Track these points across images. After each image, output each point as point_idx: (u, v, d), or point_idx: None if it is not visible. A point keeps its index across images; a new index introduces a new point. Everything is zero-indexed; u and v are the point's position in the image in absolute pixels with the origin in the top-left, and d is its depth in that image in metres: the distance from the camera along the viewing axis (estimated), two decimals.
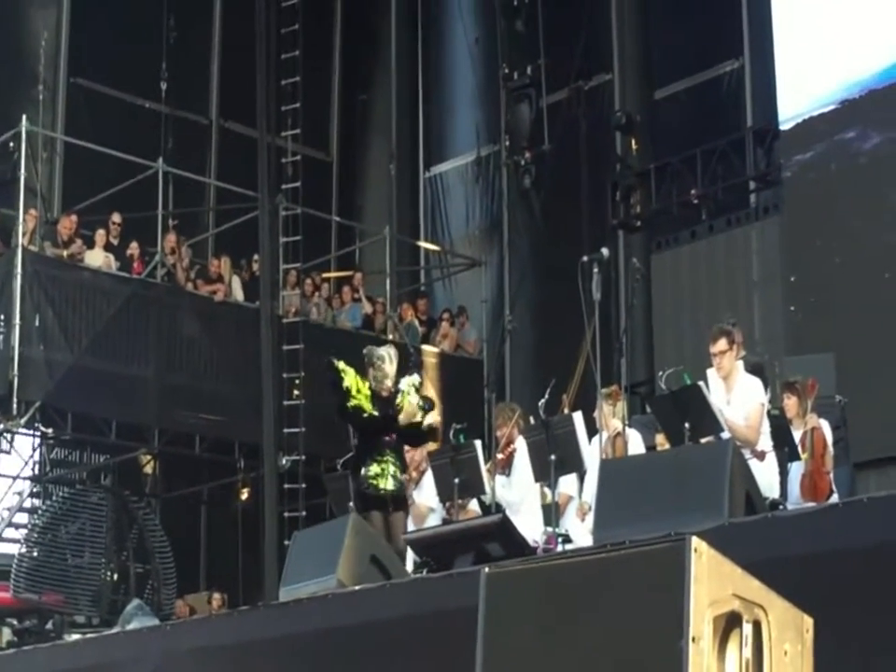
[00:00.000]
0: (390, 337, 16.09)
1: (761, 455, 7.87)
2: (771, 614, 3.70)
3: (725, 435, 7.76)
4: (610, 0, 16.91)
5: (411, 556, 8.75)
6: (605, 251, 8.51)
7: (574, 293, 8.50)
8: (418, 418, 8.93)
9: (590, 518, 8.02)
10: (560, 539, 8.48)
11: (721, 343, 8.20)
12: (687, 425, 8.00)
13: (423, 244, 18.91)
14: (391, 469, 8.79)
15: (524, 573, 3.98)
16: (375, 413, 8.77)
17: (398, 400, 8.88)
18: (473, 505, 9.70)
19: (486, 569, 3.94)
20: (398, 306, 16.93)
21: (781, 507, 7.66)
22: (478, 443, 9.25)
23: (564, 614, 3.76)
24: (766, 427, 8.14)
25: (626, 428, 8.70)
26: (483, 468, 9.07)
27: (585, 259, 8.49)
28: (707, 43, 16.25)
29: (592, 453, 8.59)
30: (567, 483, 9.14)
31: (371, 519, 8.63)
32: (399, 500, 8.87)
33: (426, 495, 9.78)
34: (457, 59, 19.31)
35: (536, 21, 17.31)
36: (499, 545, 7.65)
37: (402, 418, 8.82)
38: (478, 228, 18.58)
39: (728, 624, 3.61)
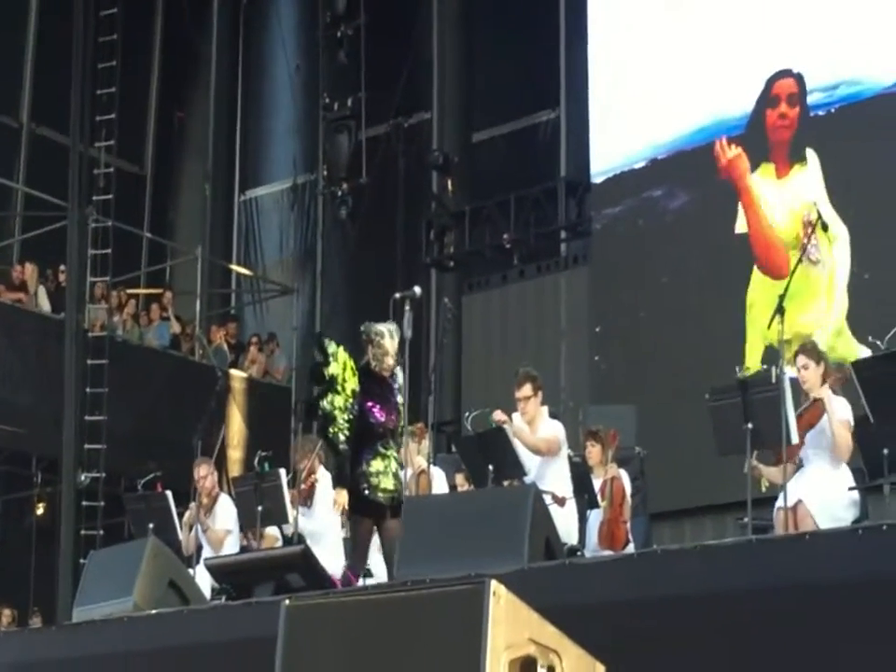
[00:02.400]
0: (196, 359, 16.00)
1: (561, 501, 8.10)
2: (565, 660, 3.83)
3: (528, 479, 7.99)
4: (432, 40, 17.12)
5: (209, 582, 8.74)
6: (417, 289, 8.51)
7: None
8: None
9: None
10: (361, 574, 8.57)
11: (527, 389, 8.43)
12: (491, 467, 8.24)
13: (235, 267, 18.82)
14: (394, 465, 8.00)
15: (324, 607, 4.07)
16: (342, 437, 7.88)
17: (398, 399, 8.06)
18: (272, 530, 9.72)
19: (287, 601, 4.01)
20: (207, 328, 16.81)
21: (579, 553, 7.89)
22: (282, 472, 9.29)
23: (363, 649, 3.85)
24: (567, 473, 8.39)
25: (431, 467, 8.85)
26: (287, 497, 9.12)
27: (398, 295, 8.51)
28: (526, 91, 16.57)
29: None
30: None
31: (360, 525, 7.98)
32: (397, 507, 7.84)
33: (220, 519, 9.77)
34: (278, 84, 19.30)
35: (358, 54, 17.42)
36: (300, 576, 7.71)
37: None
38: (291, 255, 18.57)
39: (523, 668, 3.74)
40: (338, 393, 7.89)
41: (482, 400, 10.23)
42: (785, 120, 13.05)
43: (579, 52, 15.13)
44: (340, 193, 17.37)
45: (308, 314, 17.94)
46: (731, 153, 13.32)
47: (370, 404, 7.96)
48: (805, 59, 12.96)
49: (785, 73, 13.08)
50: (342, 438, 7.88)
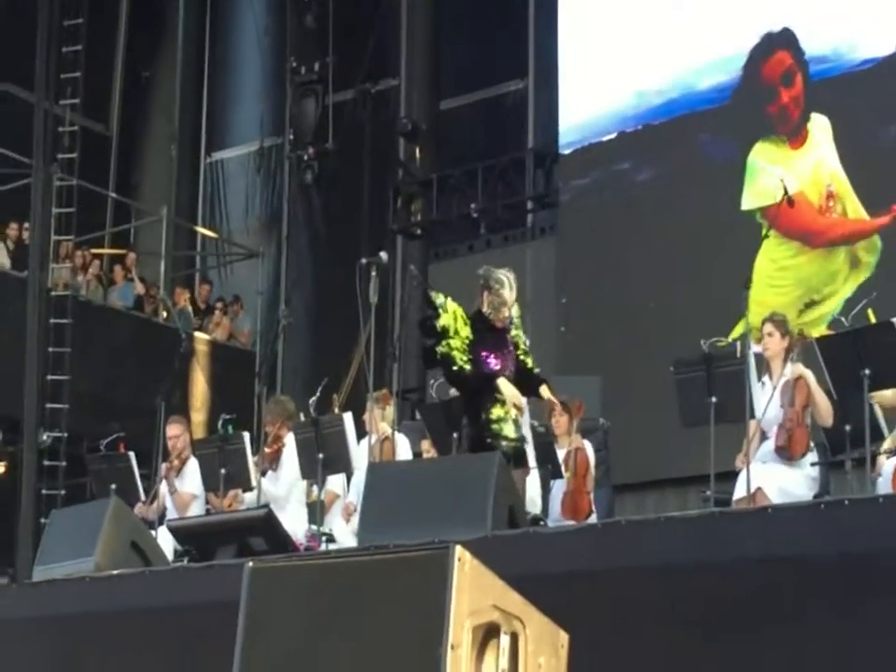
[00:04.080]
0: (160, 321, 15.95)
1: (525, 471, 8.14)
2: (528, 627, 3.84)
3: None
4: (401, 6, 17.05)
5: (172, 544, 8.74)
6: (383, 255, 8.51)
7: (351, 294, 8.58)
8: (531, 363, 7.94)
9: (355, 519, 8.19)
10: (324, 539, 8.60)
11: None
12: (455, 435, 8.27)
13: (200, 229, 18.73)
14: (513, 412, 7.66)
15: (288, 569, 4.06)
16: (467, 368, 7.62)
17: (513, 334, 7.84)
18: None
19: (250, 563, 4.01)
20: (171, 290, 16.75)
21: (542, 523, 7.93)
22: (246, 435, 9.29)
23: (326, 613, 3.85)
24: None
25: (395, 433, 8.87)
26: (251, 460, 9.12)
27: (364, 261, 8.49)
28: (495, 60, 16.52)
29: (360, 454, 8.74)
30: (335, 481, 9.27)
31: None
32: (520, 456, 7.64)
33: (188, 482, 9.77)
34: (245, 47, 19.16)
35: (326, 19, 17.35)
36: (263, 539, 7.72)
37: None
38: (257, 219, 18.48)
39: (487, 634, 3.74)
40: (452, 338, 7.64)
41: None
42: (792, 90, 12.96)
43: (548, 22, 15.10)
44: (306, 158, 17.34)
45: (273, 278, 17.89)
46: None
47: (484, 353, 7.71)
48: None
49: (775, 43, 12.98)
50: (467, 369, 7.59)
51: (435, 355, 7.65)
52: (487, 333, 7.72)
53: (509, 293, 7.73)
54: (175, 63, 19.19)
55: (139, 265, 16.95)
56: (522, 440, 7.66)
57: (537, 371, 7.94)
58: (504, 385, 7.61)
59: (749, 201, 12.92)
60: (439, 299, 7.71)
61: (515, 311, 7.90)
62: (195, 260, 19.13)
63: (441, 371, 8.07)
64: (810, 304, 12.45)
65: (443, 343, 7.61)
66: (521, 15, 16.18)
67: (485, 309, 7.73)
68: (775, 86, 13.06)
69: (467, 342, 7.65)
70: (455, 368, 7.62)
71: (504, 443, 7.54)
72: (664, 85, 13.76)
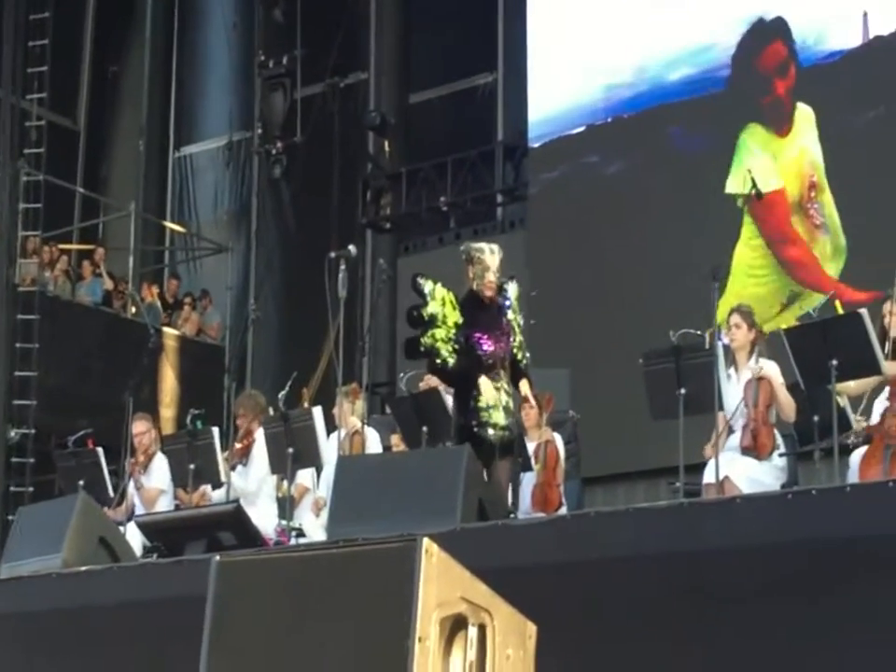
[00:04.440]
0: (128, 316, 15.89)
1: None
2: (496, 619, 3.84)
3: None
4: (370, 0, 17.06)
5: (140, 540, 8.70)
6: (352, 249, 8.44)
7: (320, 288, 8.55)
8: (521, 353, 7.75)
9: (325, 513, 8.17)
10: (294, 534, 8.58)
11: None
12: (425, 428, 8.27)
13: (169, 224, 18.67)
14: (504, 397, 7.50)
15: (256, 564, 4.04)
16: (451, 361, 7.47)
17: (510, 316, 7.69)
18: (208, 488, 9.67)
19: (217, 558, 4.00)
20: (139, 285, 16.69)
21: (512, 516, 7.94)
22: (215, 430, 9.26)
23: (294, 608, 3.84)
24: None
25: (365, 427, 8.85)
26: (220, 455, 9.09)
27: (333, 254, 8.42)
28: (464, 54, 16.52)
29: (330, 449, 8.73)
30: (304, 475, 9.26)
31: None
32: (509, 446, 7.50)
33: (155, 477, 9.73)
34: (214, 41, 19.11)
35: (294, 12, 17.32)
36: (232, 534, 7.71)
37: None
38: (226, 213, 18.43)
39: (454, 626, 3.73)
40: (438, 328, 7.52)
41: (416, 362, 10.23)
42: (786, 80, 12.94)
43: (517, 15, 15.10)
44: (274, 152, 17.31)
45: (242, 272, 17.86)
46: None
47: (477, 335, 7.55)
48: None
49: (768, 32, 12.95)
50: (450, 363, 7.47)
51: (419, 346, 7.57)
52: (480, 313, 7.60)
53: (489, 256, 7.61)
54: (143, 57, 19.12)
55: (107, 260, 16.87)
56: (510, 427, 7.53)
57: (524, 363, 7.81)
58: (484, 385, 7.50)
59: (733, 184, 12.91)
60: (427, 286, 7.59)
61: (514, 290, 7.79)
62: (164, 255, 19.08)
63: (425, 362, 7.97)
64: (793, 298, 12.43)
65: (428, 334, 7.51)
66: (490, 8, 16.18)
67: (473, 284, 7.62)
68: (770, 76, 13.00)
69: (454, 330, 7.53)
70: (438, 361, 7.53)
71: (492, 431, 7.44)
72: (633, 78, 13.79)
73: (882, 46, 12.35)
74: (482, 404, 7.42)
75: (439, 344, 7.49)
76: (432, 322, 7.51)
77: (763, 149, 12.87)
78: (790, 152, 12.75)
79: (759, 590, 5.55)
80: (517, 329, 7.76)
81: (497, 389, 7.49)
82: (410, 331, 14.91)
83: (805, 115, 12.66)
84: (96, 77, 19.54)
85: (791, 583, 5.49)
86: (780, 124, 12.84)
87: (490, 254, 7.62)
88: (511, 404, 7.59)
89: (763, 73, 13.03)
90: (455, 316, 7.55)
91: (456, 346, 7.49)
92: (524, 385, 7.79)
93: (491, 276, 7.59)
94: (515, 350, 7.71)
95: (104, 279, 16.50)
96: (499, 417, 7.47)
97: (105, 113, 19.53)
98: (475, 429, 7.42)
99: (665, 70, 13.55)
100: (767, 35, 13.01)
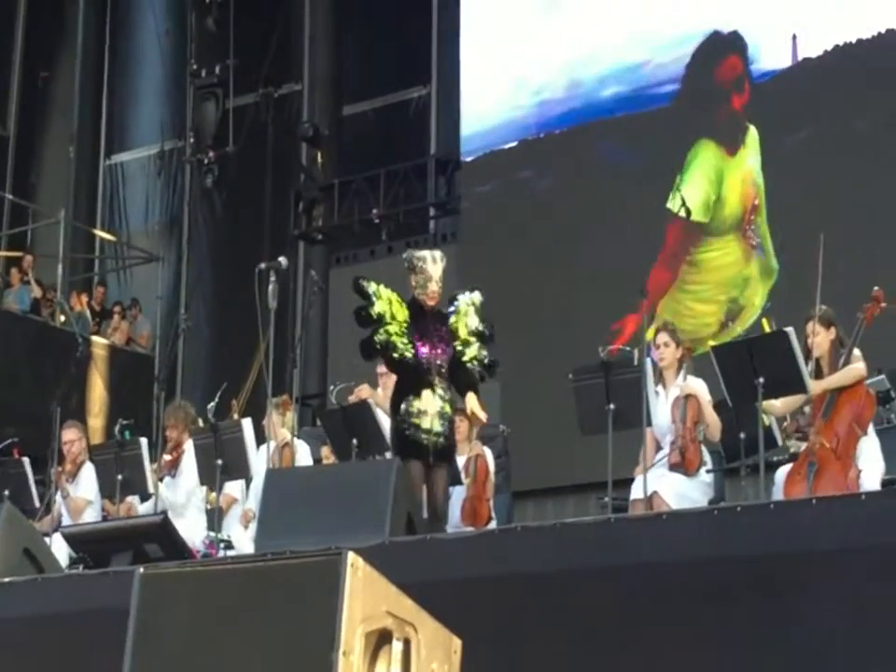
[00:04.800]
0: (57, 324, 15.75)
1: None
2: (421, 633, 3.86)
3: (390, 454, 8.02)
4: (304, 11, 17.01)
5: (67, 552, 8.63)
6: (283, 260, 8.41)
7: (251, 299, 8.52)
8: (471, 352, 7.62)
9: (253, 525, 8.14)
10: (222, 546, 8.54)
11: (382, 367, 8.41)
12: (355, 441, 8.28)
13: (99, 232, 18.52)
14: (439, 404, 7.42)
15: (180, 576, 4.03)
16: (409, 354, 7.38)
17: (451, 321, 7.61)
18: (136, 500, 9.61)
19: (141, 569, 3.99)
20: (68, 294, 16.55)
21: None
22: (144, 441, 9.20)
23: (218, 620, 3.83)
24: None
25: (295, 439, 8.83)
26: (148, 466, 9.03)
27: (263, 266, 8.39)
28: (398, 66, 16.55)
29: (259, 460, 8.69)
30: (233, 486, 9.21)
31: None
32: (444, 452, 7.41)
33: (83, 487, 9.65)
34: (146, 48, 18.99)
35: (227, 21, 17.27)
36: (159, 546, 7.67)
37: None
38: (157, 222, 18.31)
39: (379, 640, 3.75)
40: (389, 324, 7.41)
41: (347, 374, 10.23)
42: (742, 96, 12.97)
43: (451, 29, 15.17)
44: (206, 161, 17.24)
45: (173, 282, 17.76)
46: None
47: (416, 339, 7.46)
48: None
49: (722, 47, 13.00)
50: (408, 355, 7.38)
51: (375, 344, 7.42)
52: (420, 318, 7.50)
53: (433, 266, 7.50)
54: (75, 63, 18.98)
55: (36, 268, 16.71)
56: (444, 434, 7.41)
57: (472, 366, 7.62)
58: (425, 397, 7.40)
59: (675, 202, 12.95)
60: (370, 286, 7.47)
61: (469, 299, 7.72)
62: (94, 264, 18.92)
63: (382, 361, 7.85)
64: (733, 316, 12.47)
65: (381, 330, 7.41)
66: (425, 22, 16.23)
67: (415, 292, 7.53)
68: (727, 91, 13.01)
69: (405, 325, 7.45)
70: (396, 355, 7.43)
71: (424, 437, 7.34)
72: (565, 94, 13.87)
73: (810, 67, 12.51)
74: (413, 409, 7.36)
75: (394, 338, 7.41)
76: (381, 321, 7.43)
77: (712, 168, 12.97)
78: (736, 173, 12.86)
79: (685, 605, 5.61)
80: (462, 334, 7.63)
81: (434, 393, 7.40)
82: (341, 343, 14.95)
83: (753, 135, 12.78)
84: (26, 82, 19.37)
85: (717, 598, 5.54)
86: (732, 142, 12.91)
87: (433, 263, 7.52)
88: (448, 410, 7.49)
89: (720, 86, 13.07)
90: (403, 314, 7.48)
91: (411, 340, 7.42)
92: (471, 400, 7.65)
93: (434, 286, 7.51)
94: (460, 349, 7.58)
95: (32, 287, 16.34)
96: (433, 424, 7.37)
97: (34, 119, 19.36)
98: (407, 433, 7.36)
99: (599, 86, 13.66)
100: (724, 49, 13.04)
